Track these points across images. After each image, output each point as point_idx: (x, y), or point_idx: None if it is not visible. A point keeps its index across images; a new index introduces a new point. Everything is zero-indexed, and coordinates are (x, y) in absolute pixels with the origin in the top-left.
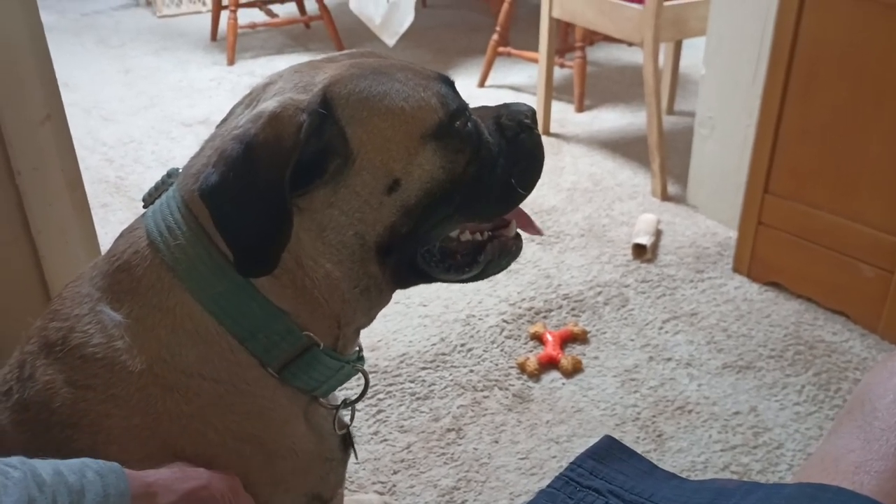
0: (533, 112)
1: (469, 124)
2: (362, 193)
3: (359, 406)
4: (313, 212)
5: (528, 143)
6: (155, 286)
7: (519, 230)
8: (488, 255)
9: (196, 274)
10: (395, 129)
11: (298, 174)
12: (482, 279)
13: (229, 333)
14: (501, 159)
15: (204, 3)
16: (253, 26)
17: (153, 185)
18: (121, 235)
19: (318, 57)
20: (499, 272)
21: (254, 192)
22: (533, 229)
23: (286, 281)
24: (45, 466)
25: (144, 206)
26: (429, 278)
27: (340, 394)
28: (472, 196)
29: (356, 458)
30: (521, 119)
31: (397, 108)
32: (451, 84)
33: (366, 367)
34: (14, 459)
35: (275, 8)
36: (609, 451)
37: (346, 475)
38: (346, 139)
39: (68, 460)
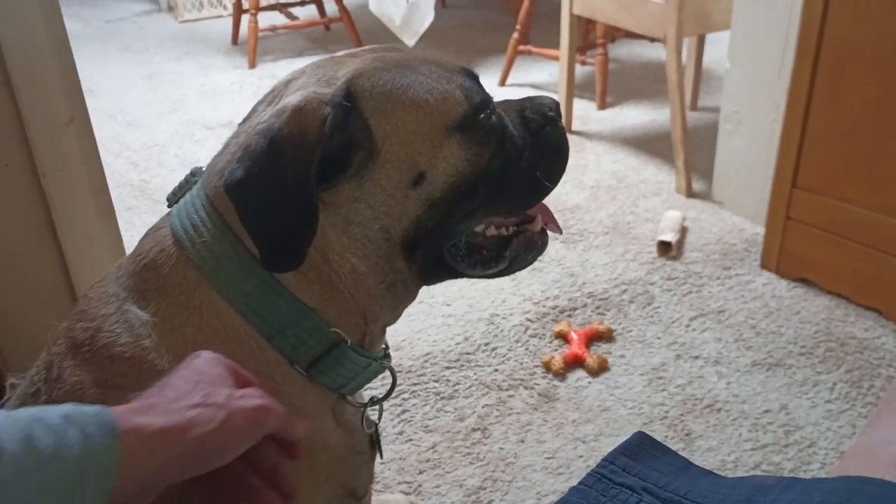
0: (557, 105)
1: (493, 117)
2: (387, 187)
3: (384, 406)
4: (338, 206)
5: (553, 135)
6: (181, 284)
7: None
8: (514, 249)
9: (222, 271)
10: (419, 121)
11: (323, 168)
12: (508, 274)
13: (256, 331)
14: (526, 152)
15: (225, 8)
16: (273, 29)
17: (177, 184)
18: (146, 235)
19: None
20: (525, 267)
21: (279, 186)
22: (554, 226)
23: (312, 277)
24: (13, 429)
25: (169, 206)
26: (455, 273)
27: (367, 392)
28: (497, 190)
29: (381, 457)
30: (545, 112)
31: (421, 100)
32: (474, 77)
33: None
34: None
35: (295, 11)
36: (642, 448)
37: (374, 473)
38: (371, 132)
39: (49, 412)
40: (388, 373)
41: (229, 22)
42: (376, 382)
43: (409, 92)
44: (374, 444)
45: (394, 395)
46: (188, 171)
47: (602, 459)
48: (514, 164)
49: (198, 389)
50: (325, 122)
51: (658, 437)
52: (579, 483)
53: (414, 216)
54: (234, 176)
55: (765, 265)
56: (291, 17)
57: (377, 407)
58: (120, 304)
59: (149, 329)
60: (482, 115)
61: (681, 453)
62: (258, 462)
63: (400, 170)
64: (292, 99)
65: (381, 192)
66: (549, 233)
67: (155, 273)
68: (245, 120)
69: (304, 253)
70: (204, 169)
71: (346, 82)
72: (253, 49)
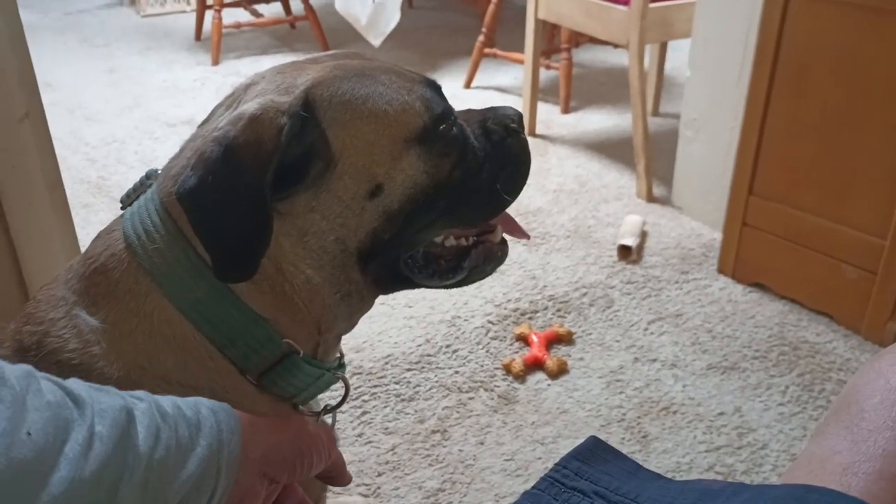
0: (520, 116)
1: (454, 128)
2: (344, 198)
3: (344, 407)
4: (294, 216)
5: (515, 147)
6: (132, 290)
7: (506, 235)
8: (473, 260)
9: (174, 278)
10: (378, 132)
11: (279, 178)
12: (467, 285)
13: (208, 340)
14: (487, 164)
15: (188, 3)
16: (238, 26)
17: (132, 185)
18: (98, 237)
19: (303, 57)
20: (484, 278)
21: (233, 195)
22: (520, 233)
23: (266, 287)
24: (165, 400)
25: (122, 208)
26: (412, 284)
27: (324, 399)
28: (456, 201)
29: None
30: (507, 123)
31: (380, 111)
32: (436, 87)
33: (351, 369)
34: (139, 392)
35: (260, 8)
36: (594, 452)
37: None
38: (328, 143)
39: (183, 399)
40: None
41: (193, 17)
42: (333, 390)
43: (368, 102)
44: None
45: (354, 397)
46: (144, 173)
47: (555, 464)
48: (474, 176)
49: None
50: (282, 132)
51: (615, 438)
52: (532, 487)
53: (370, 228)
54: (187, 184)
55: (721, 270)
56: (256, 14)
57: (332, 415)
58: (69, 308)
59: (98, 336)
60: (443, 127)
61: (637, 455)
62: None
63: (357, 181)
64: (249, 107)
65: (337, 204)
66: (511, 237)
67: (105, 278)
68: (204, 122)
69: (257, 263)
70: (160, 171)
71: (305, 91)
72: (216, 46)
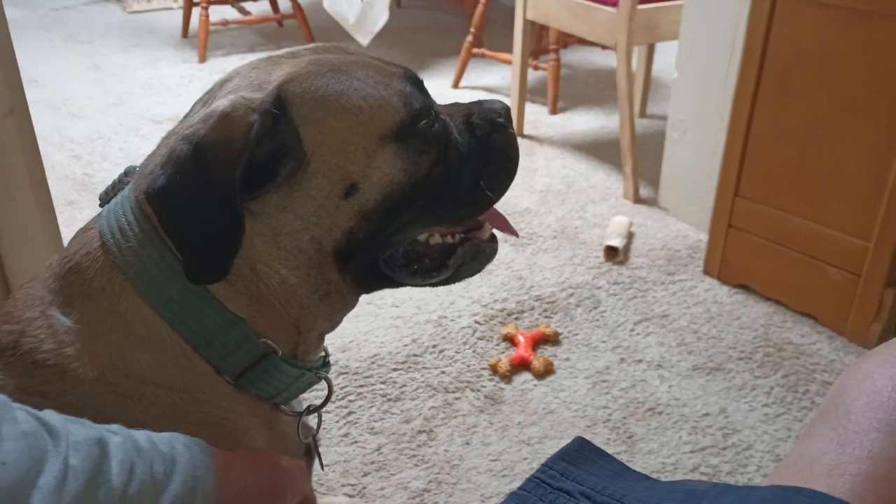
0: (507, 110)
1: (435, 125)
2: (317, 197)
3: (329, 408)
4: (267, 216)
5: (501, 143)
6: (106, 289)
7: (495, 231)
8: (459, 258)
9: (148, 277)
10: (352, 129)
11: (251, 177)
12: (455, 282)
13: (183, 339)
14: (470, 161)
15: (175, 0)
16: (225, 24)
17: (110, 183)
18: (75, 236)
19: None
20: (472, 275)
21: (202, 194)
22: (509, 230)
23: (241, 287)
24: (140, 435)
25: (101, 205)
26: (394, 283)
27: (309, 398)
28: (437, 200)
29: (322, 467)
30: (493, 118)
31: (355, 107)
32: (416, 81)
33: (337, 368)
34: (114, 426)
35: (247, 5)
36: (580, 453)
37: (315, 477)
38: (300, 140)
39: (158, 433)
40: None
41: (179, 14)
42: (319, 390)
43: (342, 98)
44: (312, 452)
45: (340, 396)
46: (122, 170)
47: (541, 465)
48: (456, 173)
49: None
50: (252, 130)
51: (601, 439)
52: (518, 488)
53: (346, 227)
54: (156, 183)
55: (707, 271)
56: (244, 11)
57: (317, 415)
58: (44, 307)
59: (72, 336)
60: (422, 123)
61: (623, 456)
62: None
63: (331, 180)
64: (220, 104)
65: (310, 203)
66: (498, 236)
67: (80, 277)
68: (183, 119)
69: (228, 264)
70: (138, 168)
71: (277, 87)
72: (203, 43)
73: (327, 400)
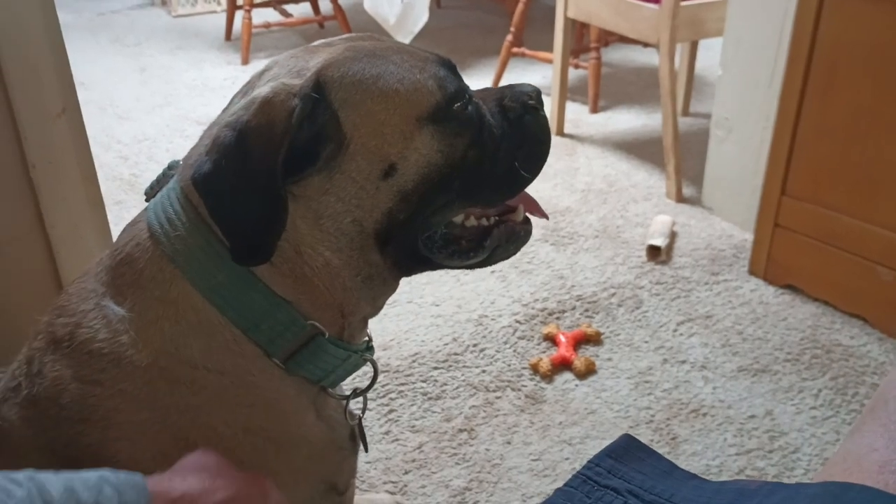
0: (538, 92)
1: (469, 107)
2: (357, 179)
3: (370, 405)
4: (309, 199)
5: (533, 124)
6: (156, 278)
7: (527, 214)
8: (495, 240)
9: (196, 264)
10: (389, 112)
11: (293, 160)
12: (490, 265)
13: (232, 324)
14: (504, 143)
15: (219, 3)
16: (267, 26)
17: (155, 178)
18: (124, 230)
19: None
20: (507, 258)
21: (247, 179)
22: (539, 213)
23: (286, 270)
24: (55, 482)
25: (147, 200)
26: (433, 265)
27: (351, 385)
28: (473, 181)
29: (366, 450)
30: (524, 100)
31: (391, 90)
32: (450, 66)
33: (376, 364)
34: (20, 475)
35: (289, 8)
36: (628, 450)
37: (357, 474)
38: (340, 123)
39: (84, 473)
40: (371, 366)
41: (223, 17)
42: (361, 374)
43: (378, 82)
44: (357, 437)
45: (381, 394)
46: (166, 165)
47: (588, 461)
48: (491, 155)
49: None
50: (293, 114)
51: (644, 440)
52: (565, 485)
53: (386, 208)
54: (202, 169)
55: (753, 271)
56: (286, 14)
57: (361, 399)
58: (98, 299)
59: (126, 324)
60: (457, 105)
61: (666, 457)
62: None
63: (370, 161)
64: (261, 91)
65: (351, 185)
66: (539, 233)
67: (130, 268)
68: (223, 112)
69: (273, 246)
70: (181, 161)
71: (316, 73)
72: (246, 45)
73: (373, 382)
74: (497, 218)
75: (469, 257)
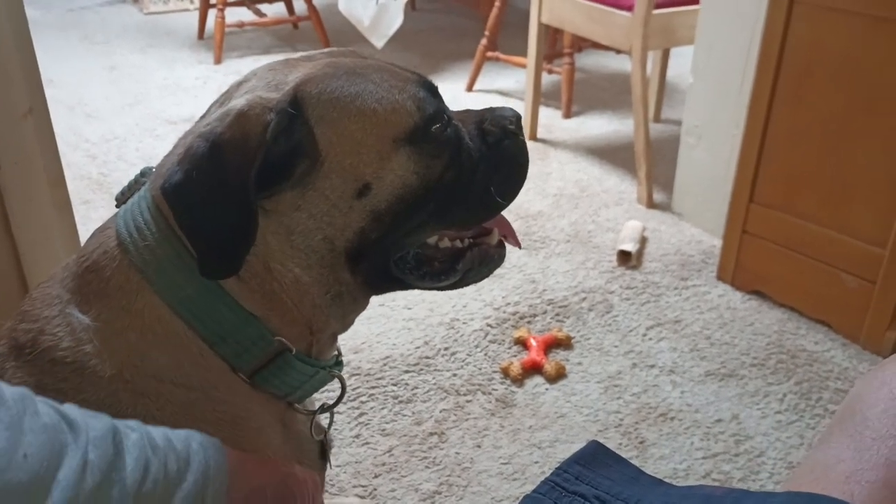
0: (518, 117)
1: (447, 129)
2: (331, 197)
3: (341, 409)
4: (280, 214)
5: (511, 149)
6: (123, 287)
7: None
8: (468, 262)
9: (164, 275)
10: (365, 131)
11: (266, 175)
12: (462, 287)
13: (199, 337)
14: (481, 166)
15: (192, 1)
16: (241, 25)
17: (127, 183)
18: (92, 235)
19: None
20: (479, 280)
21: (218, 191)
22: (514, 240)
23: (255, 285)
24: (157, 432)
25: (118, 205)
26: (404, 285)
27: (321, 398)
28: (448, 203)
29: (330, 466)
30: (504, 125)
31: (369, 109)
32: (431, 87)
33: (349, 370)
34: (132, 422)
35: (263, 8)
36: (595, 457)
37: (327, 478)
38: (315, 140)
39: (174, 430)
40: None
41: (195, 16)
42: (333, 388)
43: (357, 100)
44: (325, 451)
45: (352, 398)
46: (137, 170)
47: (556, 468)
48: (467, 178)
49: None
50: (268, 128)
51: (612, 444)
52: (533, 491)
53: (358, 227)
54: (172, 179)
55: (721, 277)
56: (259, 13)
57: (328, 414)
58: (63, 306)
59: (90, 334)
60: (435, 127)
61: (634, 461)
62: None
63: (344, 180)
64: (237, 103)
65: (323, 202)
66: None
67: (97, 276)
68: (200, 120)
69: (241, 260)
70: (154, 169)
71: (294, 88)
72: (219, 45)
73: (340, 398)
74: (471, 240)
75: (441, 279)
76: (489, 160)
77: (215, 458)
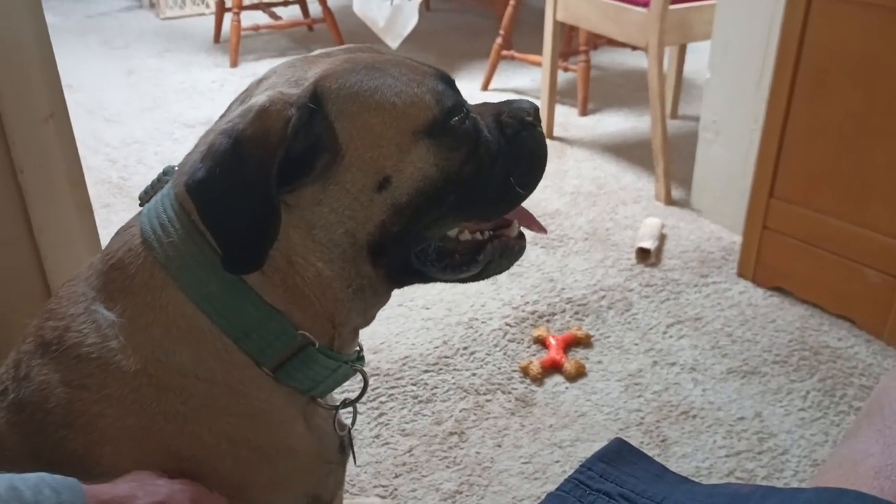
0: (536, 109)
1: (466, 122)
2: (352, 191)
3: (360, 409)
4: (302, 209)
5: (530, 141)
6: (148, 284)
7: (523, 229)
8: (488, 254)
9: (188, 271)
10: (385, 124)
11: (288, 170)
12: (483, 279)
13: (223, 332)
14: (500, 158)
15: (207, 6)
16: (256, 28)
17: (149, 183)
18: (116, 234)
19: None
20: (500, 272)
21: (240, 186)
22: (537, 227)
23: (277, 280)
24: (2, 482)
25: (141, 205)
26: (426, 278)
27: (341, 395)
28: (468, 196)
29: (355, 462)
30: (522, 116)
31: (388, 103)
32: (448, 81)
33: (368, 370)
34: None
35: (278, 10)
36: (619, 454)
37: (347, 478)
38: (335, 134)
39: (25, 475)
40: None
41: (211, 20)
42: (353, 384)
43: (376, 94)
44: (347, 447)
45: (371, 398)
46: (159, 172)
47: (580, 465)
48: (487, 170)
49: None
50: (289, 124)
51: (634, 443)
52: (557, 489)
53: (379, 220)
54: (196, 175)
55: (741, 274)
56: (274, 16)
57: (351, 409)
58: (88, 303)
59: (116, 330)
60: (454, 120)
61: (656, 459)
62: None
63: (365, 173)
64: (258, 99)
65: (345, 196)
66: (529, 234)
67: (122, 273)
68: (220, 119)
69: (264, 255)
70: (176, 168)
71: (313, 83)
72: (235, 48)
73: (363, 393)
74: (491, 232)
75: (462, 271)
76: (508, 152)
77: (71, 502)
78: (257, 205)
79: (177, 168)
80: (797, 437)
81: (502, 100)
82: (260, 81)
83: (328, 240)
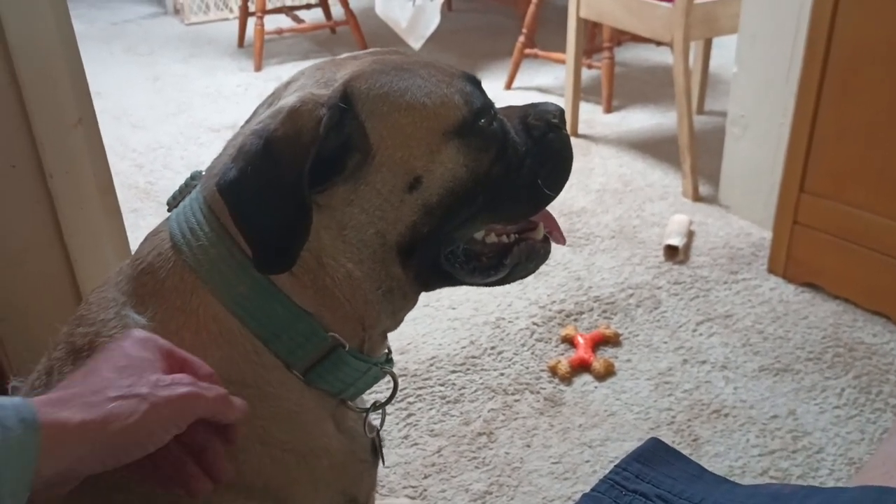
0: (561, 111)
1: (494, 123)
2: (382, 191)
3: (389, 410)
4: (333, 209)
5: (556, 143)
6: (178, 288)
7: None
8: (515, 257)
9: (218, 274)
10: (415, 125)
11: (319, 170)
12: (509, 282)
13: (253, 335)
14: (528, 159)
15: (231, 10)
16: (279, 32)
17: (177, 188)
18: (146, 239)
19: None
20: (526, 276)
21: (272, 187)
22: (558, 234)
23: (307, 281)
24: None
25: (169, 210)
26: (454, 281)
27: (370, 397)
28: (496, 196)
29: (384, 463)
30: (548, 119)
31: (419, 103)
32: (476, 82)
33: (395, 370)
34: None
35: (301, 14)
36: (656, 454)
37: (378, 479)
38: (366, 134)
39: None
40: (391, 378)
41: (235, 24)
42: (381, 387)
43: (406, 95)
44: (377, 450)
45: (399, 399)
46: (188, 175)
47: (615, 465)
48: (515, 171)
49: (123, 377)
50: (320, 124)
51: (665, 442)
52: (591, 489)
53: (410, 221)
54: (227, 176)
55: (772, 270)
56: (297, 20)
57: (380, 412)
58: (118, 308)
59: None
60: (482, 121)
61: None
62: (188, 444)
63: (395, 173)
64: (289, 100)
65: (375, 196)
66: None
67: (152, 277)
68: (247, 122)
69: (296, 255)
70: (203, 172)
71: (344, 84)
72: (259, 52)
73: (393, 395)
74: (517, 235)
75: (490, 274)
76: (535, 153)
77: (19, 439)
78: (289, 205)
79: (204, 172)
80: (832, 436)
81: (526, 101)
82: (287, 84)
83: (359, 240)
